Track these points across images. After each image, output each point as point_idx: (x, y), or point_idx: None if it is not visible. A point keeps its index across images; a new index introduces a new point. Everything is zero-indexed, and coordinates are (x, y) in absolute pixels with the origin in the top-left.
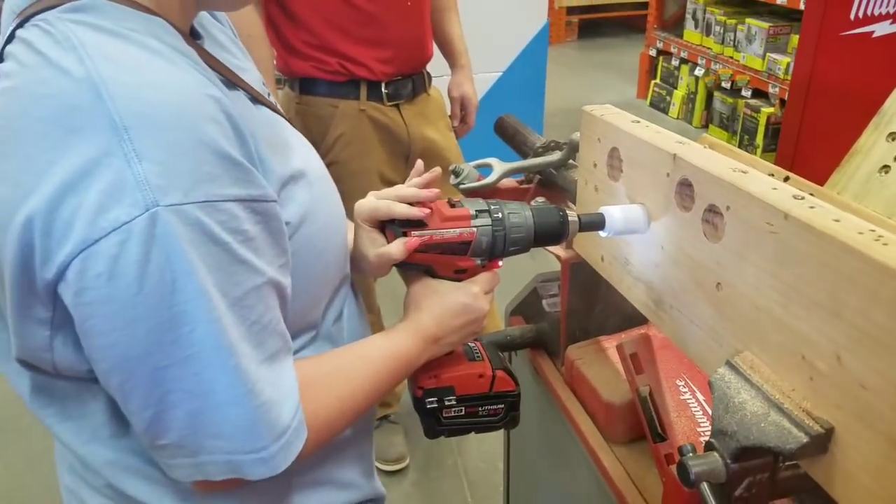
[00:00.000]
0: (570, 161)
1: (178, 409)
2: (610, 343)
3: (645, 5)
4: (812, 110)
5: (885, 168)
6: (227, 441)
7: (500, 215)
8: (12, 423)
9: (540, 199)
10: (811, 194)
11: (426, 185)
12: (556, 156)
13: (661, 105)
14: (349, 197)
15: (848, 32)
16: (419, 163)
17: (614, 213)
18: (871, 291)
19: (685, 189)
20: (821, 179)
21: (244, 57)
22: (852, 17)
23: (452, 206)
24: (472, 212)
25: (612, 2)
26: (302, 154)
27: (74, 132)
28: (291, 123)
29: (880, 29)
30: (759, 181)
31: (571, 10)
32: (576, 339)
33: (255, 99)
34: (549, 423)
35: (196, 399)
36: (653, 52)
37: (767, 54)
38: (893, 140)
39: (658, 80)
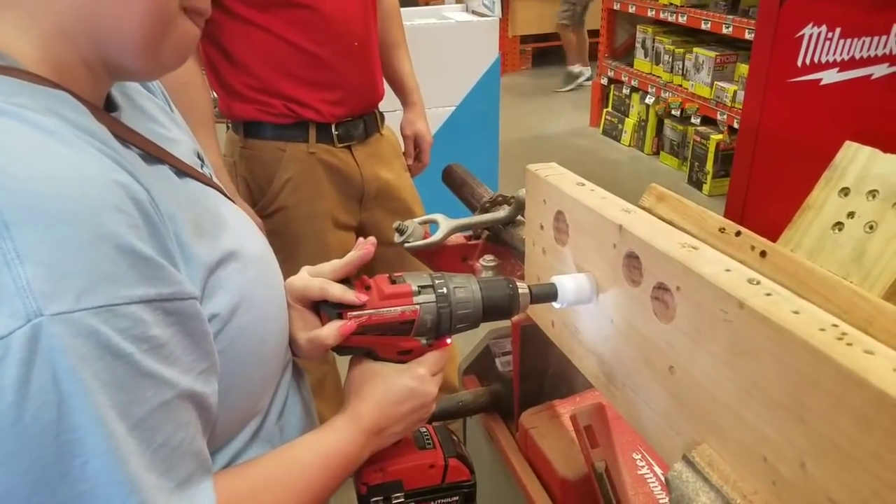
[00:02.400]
0: (519, 217)
1: None
2: (565, 408)
3: (596, 33)
4: (762, 155)
5: (839, 225)
6: None
7: (444, 290)
8: None
9: (488, 258)
10: (764, 252)
11: (360, 261)
12: (503, 212)
13: (613, 133)
14: (300, 243)
15: (796, 79)
16: (360, 239)
17: (567, 284)
18: (835, 397)
19: (633, 262)
20: (772, 224)
21: (176, 127)
22: (799, 63)
23: (393, 281)
24: (415, 288)
25: None
26: (237, 231)
27: None
28: (236, 169)
29: (828, 77)
30: (710, 261)
31: (525, 39)
32: (530, 402)
33: (183, 172)
34: (504, 492)
35: None
36: (604, 81)
37: (715, 83)
38: (846, 196)
39: (610, 109)
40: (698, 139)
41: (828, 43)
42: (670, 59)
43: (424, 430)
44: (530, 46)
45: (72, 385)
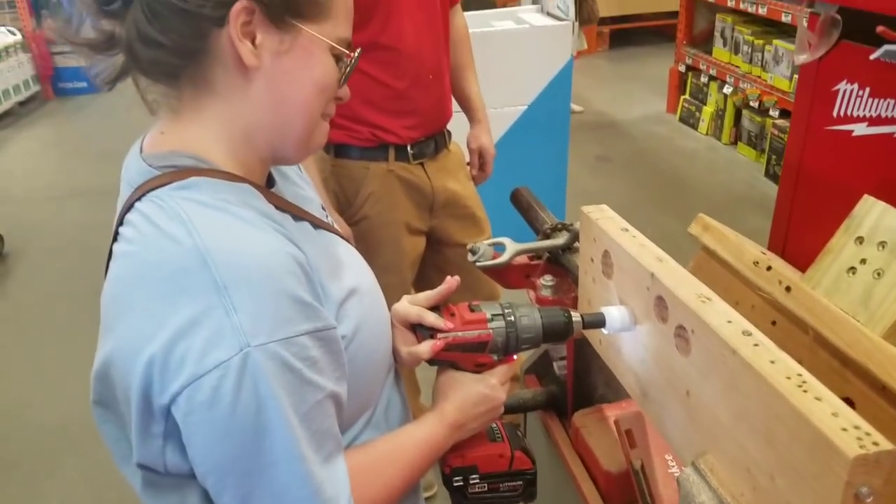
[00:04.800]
0: (576, 243)
1: None
2: (612, 412)
3: (675, 14)
4: (802, 193)
5: (853, 269)
6: None
7: (512, 318)
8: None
9: (548, 278)
10: (789, 288)
11: (447, 293)
12: (561, 239)
13: (690, 120)
14: (380, 247)
15: (831, 128)
16: (448, 277)
17: (614, 314)
18: (792, 432)
19: (661, 303)
20: (809, 254)
21: (308, 186)
22: (835, 114)
23: (472, 310)
24: (489, 315)
25: (643, 11)
26: (353, 270)
27: (185, 291)
28: (326, 185)
29: (858, 129)
30: (717, 312)
31: (603, 21)
32: (582, 404)
33: (316, 225)
34: (558, 479)
35: (274, 498)
36: (682, 68)
37: (794, 76)
38: (860, 244)
39: (687, 96)
40: (776, 132)
41: (858, 99)
42: (749, 50)
43: (495, 426)
44: (608, 28)
45: (267, 391)
